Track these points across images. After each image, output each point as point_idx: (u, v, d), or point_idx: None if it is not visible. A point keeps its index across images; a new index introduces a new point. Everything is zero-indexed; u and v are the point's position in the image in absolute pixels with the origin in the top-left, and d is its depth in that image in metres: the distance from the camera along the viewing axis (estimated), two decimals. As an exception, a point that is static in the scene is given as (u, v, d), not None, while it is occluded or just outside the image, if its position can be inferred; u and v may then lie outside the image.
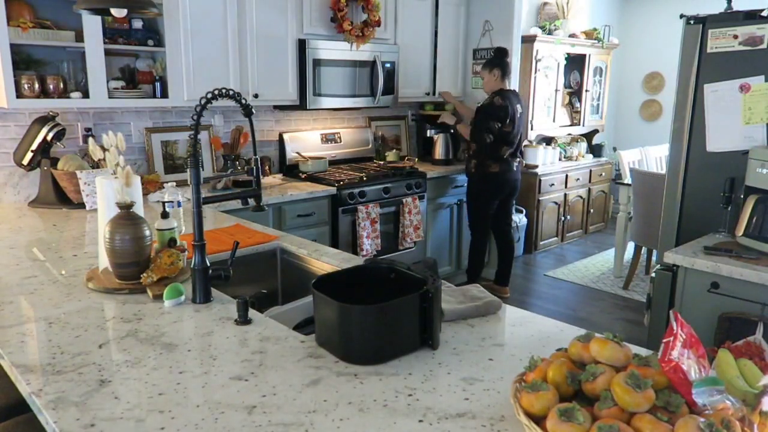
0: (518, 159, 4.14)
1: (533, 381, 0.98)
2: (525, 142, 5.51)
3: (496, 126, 3.87)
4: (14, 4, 2.74)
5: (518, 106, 3.99)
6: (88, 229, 2.46)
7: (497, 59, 4.02)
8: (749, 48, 2.51)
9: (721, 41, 2.58)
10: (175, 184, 2.41)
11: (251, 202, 1.86)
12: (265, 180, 3.75)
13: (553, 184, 5.61)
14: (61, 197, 2.87)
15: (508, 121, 3.88)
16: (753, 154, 2.37)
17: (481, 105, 3.99)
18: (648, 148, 5.85)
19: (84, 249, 2.14)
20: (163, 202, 1.92)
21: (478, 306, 1.54)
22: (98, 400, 1.10)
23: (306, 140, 4.11)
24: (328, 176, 3.78)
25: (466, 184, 4.28)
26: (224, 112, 3.74)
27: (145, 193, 2.97)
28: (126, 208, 1.65)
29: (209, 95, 1.56)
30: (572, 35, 5.83)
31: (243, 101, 1.63)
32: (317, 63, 3.71)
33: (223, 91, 1.58)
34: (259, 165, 1.81)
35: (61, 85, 2.92)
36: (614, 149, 6.54)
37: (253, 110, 1.70)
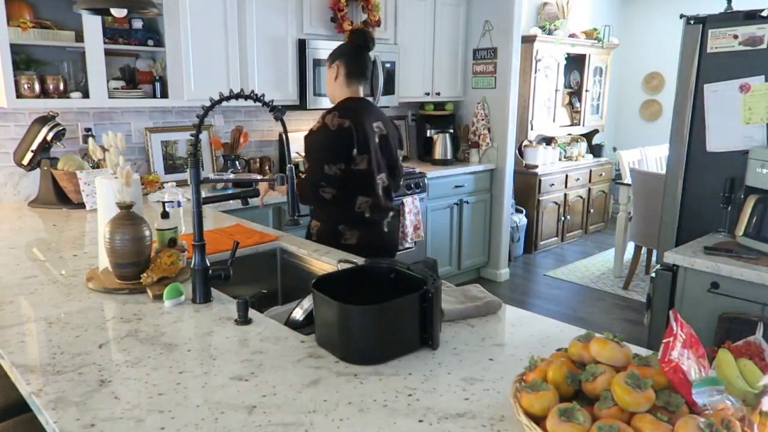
0: (392, 212, 2.48)
1: (533, 381, 0.98)
2: (525, 143, 5.52)
3: (337, 167, 2.24)
4: (14, 4, 2.74)
5: (378, 124, 2.39)
6: (88, 229, 2.46)
7: (344, 47, 2.46)
8: (749, 48, 2.51)
9: (721, 41, 2.58)
10: (175, 184, 2.41)
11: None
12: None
13: (553, 184, 5.61)
14: (61, 197, 2.87)
15: (355, 152, 2.25)
16: (753, 154, 2.37)
17: (309, 130, 2.34)
18: (648, 148, 5.85)
19: (84, 249, 2.14)
20: (163, 202, 1.92)
21: (478, 306, 1.54)
22: (98, 400, 1.10)
23: (306, 140, 4.11)
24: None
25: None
26: (224, 112, 3.74)
27: (145, 193, 2.97)
28: (126, 208, 1.65)
29: (225, 95, 1.54)
30: (572, 35, 5.83)
31: (270, 104, 1.58)
32: (317, 63, 3.71)
33: (242, 91, 1.56)
34: (294, 174, 1.68)
35: (61, 85, 2.92)
36: (614, 149, 6.54)
37: (285, 111, 1.63)
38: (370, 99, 2.51)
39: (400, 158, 2.59)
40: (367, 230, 2.34)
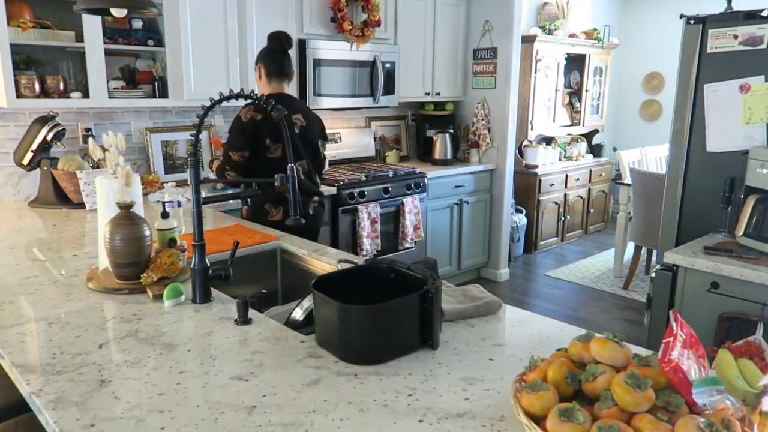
0: (316, 195, 2.79)
1: (533, 381, 0.98)
2: (525, 143, 5.52)
3: (240, 154, 2.55)
4: (14, 4, 2.74)
5: (297, 116, 2.69)
6: (88, 229, 2.46)
7: (263, 50, 2.72)
8: (749, 48, 2.51)
9: (721, 41, 2.58)
10: (175, 184, 2.41)
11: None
12: (265, 180, 3.75)
13: (553, 184, 5.61)
14: (61, 197, 2.87)
15: (269, 141, 2.56)
16: (753, 154, 2.37)
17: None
18: (648, 148, 5.85)
19: (84, 249, 2.14)
20: (163, 202, 1.92)
21: (478, 306, 1.54)
22: (98, 400, 1.10)
23: (306, 140, 4.11)
24: (328, 176, 3.78)
25: None
26: (224, 112, 3.74)
27: (145, 193, 2.97)
28: (126, 208, 1.65)
29: (225, 95, 1.53)
30: (572, 35, 5.83)
31: (270, 104, 1.57)
32: (317, 63, 3.71)
33: (242, 91, 1.56)
34: (294, 173, 1.61)
35: (61, 85, 2.92)
36: (614, 149, 6.54)
37: (285, 111, 1.61)
38: (289, 95, 2.82)
39: (322, 147, 2.85)
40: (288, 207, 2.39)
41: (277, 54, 2.66)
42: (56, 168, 2.85)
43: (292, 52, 3.62)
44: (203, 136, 3.59)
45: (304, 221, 1.72)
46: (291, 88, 3.67)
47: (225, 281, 1.65)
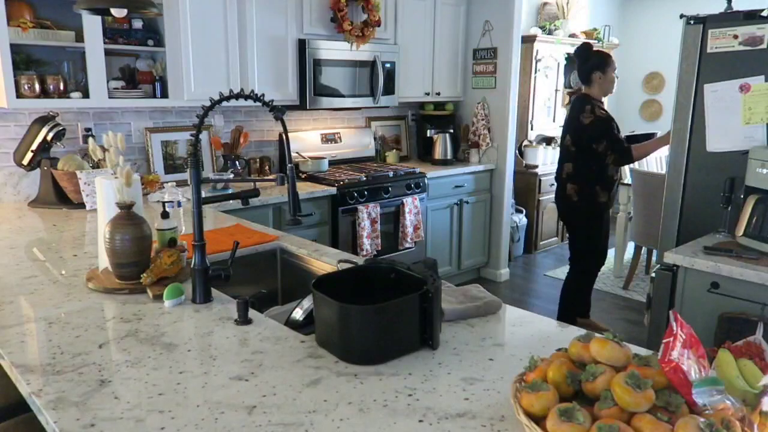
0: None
1: (533, 381, 0.98)
2: (525, 143, 5.52)
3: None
4: (14, 4, 2.74)
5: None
6: (88, 229, 2.46)
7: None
8: (749, 48, 2.51)
9: (721, 41, 2.58)
10: (175, 184, 2.42)
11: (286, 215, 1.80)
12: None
13: (553, 184, 5.60)
14: (61, 197, 2.87)
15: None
16: (753, 154, 2.37)
17: (600, 110, 3.40)
18: (648, 148, 5.84)
19: (84, 249, 2.14)
20: (163, 202, 1.92)
21: (478, 306, 1.54)
22: (98, 400, 1.10)
23: (306, 140, 4.11)
24: (329, 176, 3.78)
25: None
26: (224, 112, 3.74)
27: (145, 193, 2.97)
28: (126, 208, 1.65)
29: (225, 95, 1.53)
30: (572, 35, 5.83)
31: (270, 104, 1.58)
32: (317, 63, 3.71)
33: (242, 91, 1.56)
34: (294, 173, 1.68)
35: (61, 85, 2.92)
36: (614, 149, 6.52)
37: (285, 111, 1.63)
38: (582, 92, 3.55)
39: (566, 140, 3.75)
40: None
41: (575, 63, 3.49)
42: (56, 168, 2.85)
43: (293, 53, 3.64)
44: (203, 136, 3.59)
45: (302, 221, 1.73)
46: (290, 88, 3.69)
47: (225, 281, 1.65)
